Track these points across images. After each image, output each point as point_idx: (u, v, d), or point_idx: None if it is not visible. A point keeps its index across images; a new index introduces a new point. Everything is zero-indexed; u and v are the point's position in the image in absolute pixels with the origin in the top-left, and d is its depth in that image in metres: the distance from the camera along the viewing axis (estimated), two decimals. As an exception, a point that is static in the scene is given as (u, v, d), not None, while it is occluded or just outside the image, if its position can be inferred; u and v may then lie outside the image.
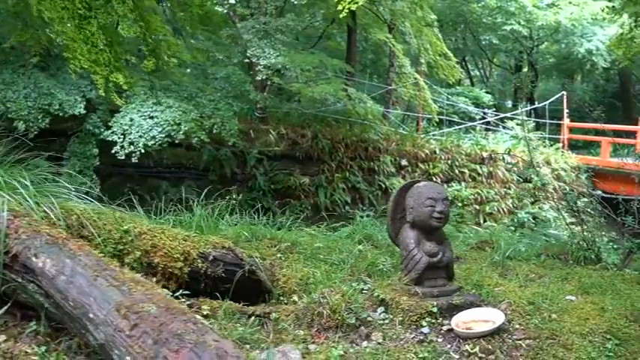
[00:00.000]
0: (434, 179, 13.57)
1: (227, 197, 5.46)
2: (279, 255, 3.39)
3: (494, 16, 17.45)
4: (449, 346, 2.57)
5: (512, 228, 14.44)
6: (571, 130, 17.36)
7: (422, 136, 14.20)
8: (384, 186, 12.59)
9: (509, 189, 14.36)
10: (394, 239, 3.08)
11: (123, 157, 8.00)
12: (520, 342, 2.50)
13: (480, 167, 14.09)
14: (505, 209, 14.10)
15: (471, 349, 2.52)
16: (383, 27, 12.80)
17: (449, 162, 13.73)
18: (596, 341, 2.49)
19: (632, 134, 16.46)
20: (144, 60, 5.95)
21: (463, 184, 13.71)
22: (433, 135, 14.91)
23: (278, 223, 4.60)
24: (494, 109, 18.21)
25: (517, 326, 2.66)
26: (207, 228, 3.69)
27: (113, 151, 8.01)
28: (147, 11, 5.91)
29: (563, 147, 16.45)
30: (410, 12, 9.97)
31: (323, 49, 19.82)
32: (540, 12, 16.90)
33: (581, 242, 4.45)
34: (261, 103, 10.17)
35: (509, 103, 24.50)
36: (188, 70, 11.44)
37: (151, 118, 7.87)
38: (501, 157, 14.48)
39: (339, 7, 5.96)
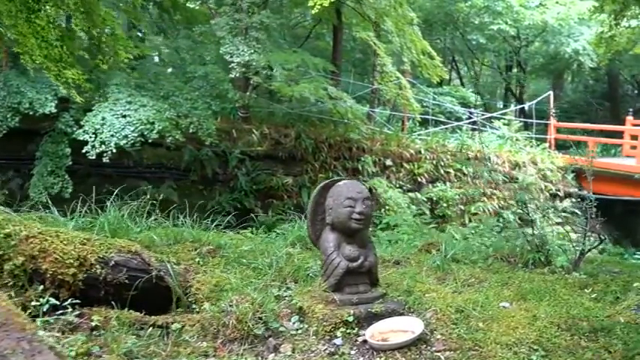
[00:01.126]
0: (419, 179, 13.51)
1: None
2: (198, 259, 3.22)
3: (482, 15, 17.38)
4: (361, 359, 2.43)
5: (498, 228, 14.43)
6: (558, 130, 17.32)
7: (407, 135, 14.10)
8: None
9: (495, 189, 14.26)
10: (315, 243, 2.94)
11: (94, 157, 7.84)
12: (439, 354, 2.37)
13: (466, 167, 14.00)
14: (491, 209, 14.01)
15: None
16: (369, 26, 12.69)
17: (434, 162, 13.63)
18: (521, 352, 2.37)
19: (619, 134, 16.47)
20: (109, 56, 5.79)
21: (448, 184, 13.61)
22: (419, 135, 14.82)
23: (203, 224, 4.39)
24: (481, 109, 18.13)
25: (439, 336, 2.52)
26: (122, 230, 3.51)
27: (84, 151, 7.85)
28: (93, 4, 5.66)
29: (549, 147, 16.40)
30: (391, 10, 9.85)
31: (312, 49, 19.75)
32: (527, 11, 16.84)
33: (531, 244, 4.33)
34: (240, 102, 10.03)
35: (500, 104, 24.47)
36: (169, 70, 11.30)
37: (124, 117, 7.72)
38: (487, 157, 14.40)
39: (310, 4, 5.83)
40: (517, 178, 14.65)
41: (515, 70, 21.91)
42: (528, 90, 25.27)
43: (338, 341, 2.49)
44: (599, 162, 15.48)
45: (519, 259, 4.10)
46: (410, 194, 13.03)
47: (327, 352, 2.38)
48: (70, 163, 8.88)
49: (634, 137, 15.31)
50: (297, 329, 2.53)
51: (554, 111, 16.89)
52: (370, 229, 3.15)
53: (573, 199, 15.29)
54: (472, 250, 4.34)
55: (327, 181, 2.96)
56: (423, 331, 2.46)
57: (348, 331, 2.56)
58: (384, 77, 10.61)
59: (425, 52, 11.92)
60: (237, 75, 8.54)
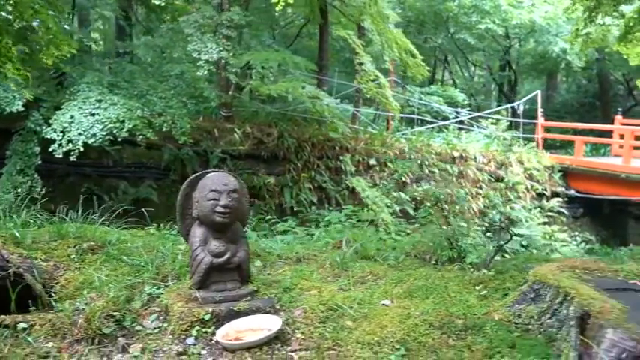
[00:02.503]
0: (402, 179, 13.44)
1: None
2: (74, 256, 3.12)
3: (470, 15, 17.31)
4: (210, 358, 2.34)
5: (483, 228, 14.37)
6: (547, 129, 17.26)
7: (391, 135, 14.04)
8: (351, 186, 12.42)
9: (481, 188, 14.19)
10: (186, 238, 2.86)
11: (61, 155, 7.78)
12: (293, 353, 2.29)
13: (451, 167, 13.92)
14: (476, 209, 13.93)
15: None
16: (352, 25, 12.63)
17: (419, 161, 13.56)
18: (382, 351, 2.29)
19: (608, 134, 16.40)
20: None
21: (432, 183, 13.52)
22: (404, 134, 14.75)
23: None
24: (468, 109, 18.06)
25: (299, 335, 2.44)
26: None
27: (50, 150, 7.79)
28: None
29: (537, 146, 16.33)
30: (368, 8, 9.78)
31: (302, 48, 19.74)
32: (515, 10, 16.77)
33: (445, 241, 4.25)
34: (215, 100, 9.97)
35: (494, 104, 24.41)
36: (150, 69, 11.23)
37: (93, 115, 7.65)
38: (473, 157, 14.33)
39: (274, 0, 5.76)
40: (503, 178, 14.61)
41: (506, 69, 21.84)
42: (522, 90, 25.21)
43: (190, 340, 2.42)
44: (586, 161, 15.51)
45: (433, 256, 4.02)
46: (394, 194, 12.97)
47: (177, 351, 2.30)
48: (47, 162, 8.85)
49: (622, 137, 15.23)
50: (155, 328, 2.45)
51: (541, 110, 16.80)
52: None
53: (560, 199, 15.28)
54: (390, 247, 4.25)
55: (196, 174, 2.88)
56: (281, 330, 2.38)
57: (204, 329, 2.48)
58: (364, 76, 10.53)
59: (407, 51, 11.86)
60: (205, 73, 8.48)
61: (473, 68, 26.81)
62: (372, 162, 13.04)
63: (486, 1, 16.62)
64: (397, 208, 12.70)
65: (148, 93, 8.71)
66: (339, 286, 3.03)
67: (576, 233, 15.25)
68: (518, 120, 17.16)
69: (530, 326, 2.46)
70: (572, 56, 16.65)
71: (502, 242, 4.32)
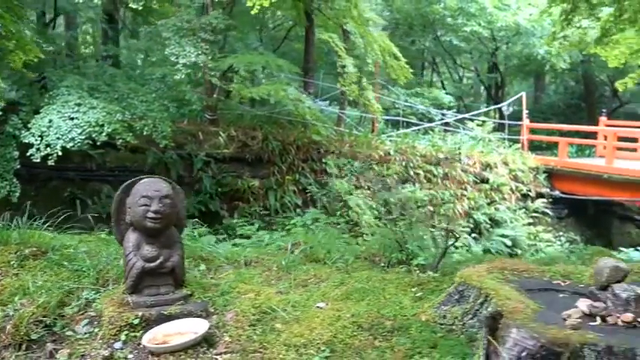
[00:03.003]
0: (388, 181, 13.49)
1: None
2: (13, 262, 3.10)
3: (456, 17, 17.43)
4: None
5: (468, 230, 14.45)
6: (532, 131, 17.38)
7: (376, 137, 14.10)
8: (335, 188, 12.45)
9: (466, 190, 14.26)
10: (121, 244, 2.89)
11: (38, 160, 7.77)
12: (219, 356, 2.33)
13: (436, 168, 13.99)
14: (461, 211, 14.01)
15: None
16: (337, 29, 12.68)
17: (403, 163, 13.62)
18: (307, 353, 2.32)
19: (594, 135, 16.52)
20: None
21: (418, 185, 13.59)
22: (389, 136, 14.81)
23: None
24: (454, 111, 18.15)
25: (227, 338, 2.48)
26: None
27: (28, 154, 7.78)
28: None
29: (522, 148, 16.44)
30: (348, 11, 9.85)
31: (290, 51, 19.78)
32: (500, 13, 16.90)
33: (394, 243, 4.30)
34: (197, 104, 9.99)
35: (483, 106, 24.55)
36: (132, 72, 11.23)
37: (71, 119, 7.65)
38: (458, 159, 14.41)
39: (249, 4, 5.80)
40: (488, 179, 14.70)
41: (491, 72, 21.98)
42: (512, 92, 25.36)
43: (117, 345, 2.44)
44: (570, 162, 15.63)
45: (383, 259, 4.07)
46: (379, 196, 13.01)
47: (104, 356, 2.33)
48: (28, 166, 8.83)
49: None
50: (86, 333, 2.48)
51: (526, 112, 16.92)
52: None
53: (545, 200, 15.39)
54: (341, 250, 4.28)
55: (131, 180, 2.93)
56: (209, 333, 2.42)
57: (133, 334, 2.50)
58: (346, 78, 10.58)
59: (391, 53, 11.92)
60: (182, 76, 8.49)
61: (462, 70, 26.94)
62: (357, 164, 13.10)
63: (472, 3, 16.74)
64: (382, 210, 12.76)
65: (129, 96, 8.71)
66: (278, 290, 3.06)
67: (561, 233, 15.36)
68: (503, 122, 17.27)
69: (453, 327, 2.51)
70: (556, 58, 16.79)
71: (448, 245, 4.35)
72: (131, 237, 2.72)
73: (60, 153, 7.68)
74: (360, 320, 2.61)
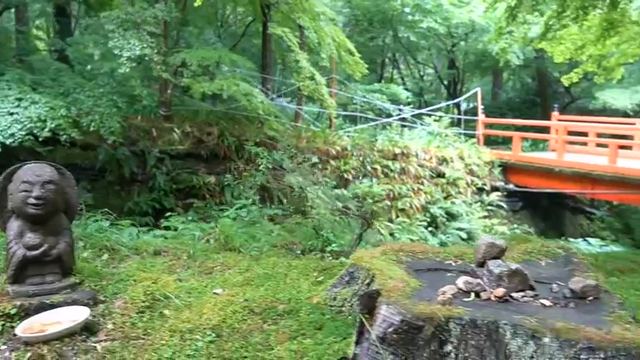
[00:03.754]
0: (345, 176, 13.56)
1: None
2: None
3: (413, 13, 17.61)
4: (8, 353, 2.31)
5: (425, 223, 14.66)
6: (488, 125, 17.73)
7: (334, 133, 14.14)
8: (290, 183, 12.44)
9: (422, 184, 14.46)
10: (5, 232, 2.84)
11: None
12: (98, 344, 2.31)
13: (393, 163, 14.13)
14: (418, 205, 14.19)
15: (30, 357, 2.26)
16: (293, 24, 12.64)
17: (361, 158, 13.71)
18: (192, 338, 2.34)
19: (547, 129, 16.95)
20: None
21: (375, 180, 13.70)
22: (347, 132, 14.88)
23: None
24: (412, 106, 18.36)
25: (110, 326, 2.47)
26: None
27: (-35, 150, 7.50)
28: None
29: (478, 142, 16.75)
30: (299, 4, 9.83)
31: (250, 48, 19.65)
32: (456, 10, 17.15)
33: (311, 231, 4.38)
34: (147, 99, 9.83)
35: (444, 102, 24.88)
36: (79, 67, 10.93)
37: (11, 114, 7.41)
38: (414, 153, 14.58)
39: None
40: (444, 173, 14.93)
41: (451, 68, 22.30)
42: (472, 88, 25.78)
43: None
44: (523, 156, 16.02)
45: (299, 246, 4.11)
46: (336, 190, 13.06)
47: None
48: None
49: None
50: None
51: (482, 107, 17.25)
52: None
53: (499, 193, 15.73)
54: (261, 239, 4.30)
55: (14, 166, 2.84)
56: (90, 321, 2.39)
57: (10, 324, 2.46)
58: (300, 73, 10.57)
59: (345, 48, 11.97)
60: (127, 70, 8.32)
61: (422, 67, 27.25)
62: (315, 159, 13.12)
63: (429, 0, 16.94)
64: (340, 205, 12.82)
65: (75, 91, 8.48)
66: (179, 277, 3.04)
67: (515, 226, 15.72)
68: (459, 117, 17.56)
69: (343, 308, 2.55)
70: (506, 53, 17.11)
71: (362, 231, 4.41)
72: (14, 225, 2.64)
73: (-1, 149, 7.43)
74: (252, 305, 2.62)
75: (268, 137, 12.55)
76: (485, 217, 15.08)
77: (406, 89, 20.54)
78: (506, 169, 15.91)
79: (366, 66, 12.46)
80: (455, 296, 2.25)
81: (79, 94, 8.53)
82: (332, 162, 13.40)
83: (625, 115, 17.91)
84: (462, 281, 2.39)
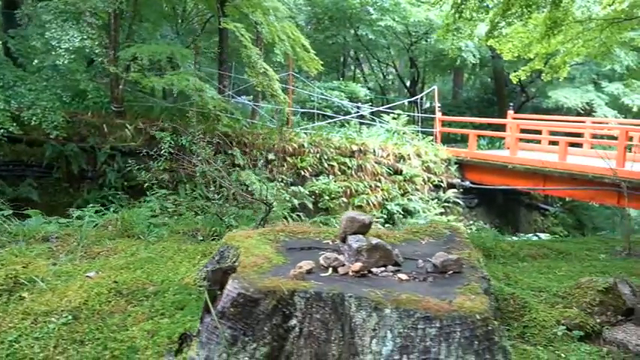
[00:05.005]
0: (302, 173, 13.54)
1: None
2: None
3: (371, 12, 17.71)
4: None
5: (382, 220, 14.76)
6: (445, 123, 17.96)
7: (291, 129, 14.10)
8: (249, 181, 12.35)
9: (380, 181, 14.54)
10: None
11: None
12: None
13: (350, 160, 14.17)
14: (375, 202, 14.27)
15: None
16: (246, 19, 12.54)
17: (318, 155, 13.70)
18: (46, 320, 2.30)
19: (503, 127, 17.28)
20: None
21: (331, 177, 13.71)
22: (305, 129, 14.85)
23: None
24: (369, 104, 18.47)
25: None
26: None
27: None
28: None
29: (435, 140, 16.95)
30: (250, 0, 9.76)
31: (211, 44, 19.42)
32: (414, 9, 17.33)
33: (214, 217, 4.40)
34: (93, 93, 9.60)
35: (402, 100, 25.11)
36: (21, 60, 10.59)
37: (-56, 108, 7.14)
38: (372, 150, 14.65)
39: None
40: (401, 170, 15.05)
41: (412, 67, 22.51)
42: (432, 86, 26.11)
43: None
44: (479, 154, 16.28)
45: (203, 232, 4.11)
46: (293, 188, 13.04)
47: None
48: None
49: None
50: None
51: (439, 105, 17.47)
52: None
53: (456, 190, 15.96)
54: (163, 226, 4.27)
55: None
56: None
57: None
58: (253, 69, 10.49)
59: (300, 44, 11.94)
60: (65, 62, 8.11)
61: (386, 66, 27.46)
62: (271, 156, 13.06)
63: (386, -2, 17.08)
64: (296, 202, 12.79)
65: (15, 85, 8.21)
66: (55, 262, 2.97)
67: (472, 222, 15.97)
68: (417, 114, 17.74)
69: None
70: (467, 54, 17.44)
71: (264, 216, 4.42)
72: None
73: None
74: (122, 287, 2.58)
75: (224, 134, 12.44)
76: (441, 213, 15.27)
77: (368, 88, 20.65)
78: (463, 166, 16.14)
79: (327, 64, 12.46)
80: (312, 271, 2.24)
81: (20, 87, 8.26)
82: (289, 159, 13.36)
83: (578, 114, 18.45)
84: (322, 257, 2.38)
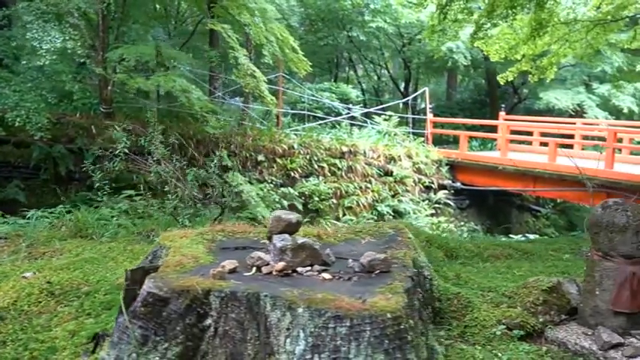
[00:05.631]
0: (292, 174, 13.54)
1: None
2: None
3: (363, 13, 17.73)
4: None
5: (372, 221, 14.76)
6: (437, 125, 17.99)
7: (280, 131, 14.10)
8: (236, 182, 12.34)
9: (370, 183, 14.54)
10: None
11: None
12: None
13: (340, 162, 14.18)
14: (365, 203, 14.27)
15: None
16: (235, 20, 12.53)
17: (307, 157, 13.70)
18: None
19: (495, 129, 17.29)
20: None
21: (321, 178, 13.71)
22: (295, 130, 14.86)
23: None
24: (360, 105, 18.49)
25: None
26: None
27: None
28: None
29: (427, 141, 16.97)
30: (236, 1, 9.77)
31: (203, 45, 19.41)
32: (405, 10, 17.34)
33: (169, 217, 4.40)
34: (78, 94, 9.59)
35: (393, 101, 25.11)
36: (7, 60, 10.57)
37: None
38: (362, 152, 14.66)
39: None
40: (392, 172, 15.06)
41: (403, 68, 22.53)
42: (429, 88, 26.12)
43: None
44: (470, 155, 16.30)
45: (157, 233, 4.12)
46: (283, 189, 13.03)
47: None
48: None
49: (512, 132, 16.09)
50: None
51: (430, 107, 17.49)
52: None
53: (447, 191, 15.97)
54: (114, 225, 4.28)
55: None
56: None
57: None
58: (240, 70, 10.50)
59: (289, 46, 11.95)
60: (47, 62, 8.10)
61: (380, 68, 27.47)
62: (261, 158, 13.06)
63: (378, 0, 17.07)
64: (286, 204, 12.79)
65: (-1, 86, 8.21)
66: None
67: (463, 223, 15.97)
68: (408, 116, 17.76)
69: None
70: (458, 55, 17.47)
71: (217, 217, 4.42)
72: None
73: None
74: (55, 287, 2.58)
75: (213, 136, 12.44)
76: (432, 214, 15.27)
77: (363, 90, 20.65)
78: (454, 167, 16.16)
79: (320, 66, 12.47)
80: (236, 271, 2.23)
81: (4, 88, 8.25)
82: (278, 160, 13.37)
83: (571, 115, 18.49)
84: (248, 257, 2.38)
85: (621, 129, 13.73)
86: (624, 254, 2.50)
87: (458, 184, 16.02)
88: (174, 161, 6.31)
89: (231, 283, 2.03)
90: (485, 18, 8.61)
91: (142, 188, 11.58)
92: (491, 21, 8.68)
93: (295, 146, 13.56)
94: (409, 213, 14.79)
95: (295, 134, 14.26)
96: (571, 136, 16.09)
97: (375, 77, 27.18)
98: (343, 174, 14.24)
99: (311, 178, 13.62)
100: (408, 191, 15.14)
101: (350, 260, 2.41)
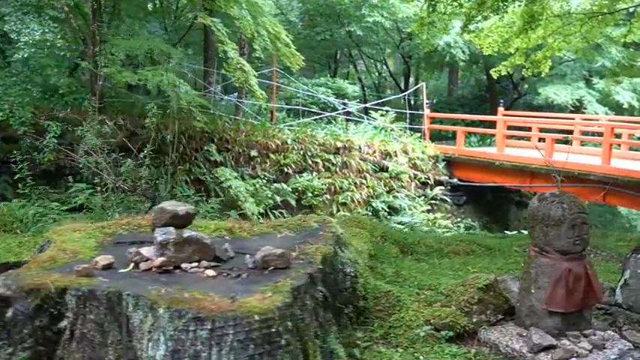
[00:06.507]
0: (285, 170, 13.42)
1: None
2: None
3: (360, 8, 17.57)
4: None
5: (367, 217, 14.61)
6: (434, 120, 17.82)
7: (274, 126, 13.99)
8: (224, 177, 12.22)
9: (365, 178, 14.41)
10: None
11: None
12: None
13: (334, 157, 14.05)
14: (360, 199, 14.14)
15: None
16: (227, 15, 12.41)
17: (301, 152, 13.58)
18: None
19: (493, 124, 17.11)
20: None
21: (315, 174, 13.59)
22: (289, 125, 14.74)
23: None
24: (357, 100, 18.34)
25: None
26: None
27: None
28: None
29: (424, 137, 16.80)
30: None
31: (200, 41, 19.32)
32: (402, 5, 17.17)
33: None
34: (65, 88, 9.51)
35: (389, 97, 24.92)
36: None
37: None
38: (357, 147, 14.52)
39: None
40: (388, 167, 14.91)
41: (401, 63, 22.36)
42: (428, 84, 25.91)
43: None
44: (467, 150, 16.14)
45: None
46: (276, 185, 12.93)
47: None
48: None
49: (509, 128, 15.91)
50: None
51: (427, 102, 17.33)
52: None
53: (443, 187, 15.81)
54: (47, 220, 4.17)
55: None
56: None
57: None
58: (230, 64, 10.39)
59: (282, 40, 11.83)
60: (25, 55, 8.01)
61: (381, 63, 27.28)
62: (254, 153, 12.95)
63: (375, -6, 16.92)
64: (279, 199, 12.68)
65: (-19, 80, 8.11)
66: None
67: (459, 219, 15.82)
68: (405, 111, 17.60)
69: None
70: (455, 49, 17.29)
71: (146, 210, 4.31)
72: None
73: None
74: None
75: (206, 131, 12.34)
76: (428, 210, 15.12)
77: (363, 85, 20.48)
78: (451, 163, 16.00)
79: (319, 61, 12.34)
80: (112, 267, 2.11)
81: (-14, 82, 8.17)
82: (272, 156, 13.25)
83: (571, 111, 18.26)
84: (127, 251, 2.25)
85: (619, 124, 13.53)
86: (559, 249, 2.34)
87: (455, 180, 15.86)
88: (105, 152, 6.28)
89: (95, 281, 1.90)
90: (476, 10, 8.45)
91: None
92: (481, 13, 8.52)
93: (289, 141, 13.44)
94: (404, 209, 14.65)
95: (289, 129, 14.13)
96: (570, 132, 15.89)
97: (376, 73, 27.01)
98: (338, 170, 14.11)
99: (305, 174, 13.50)
100: (403, 187, 14.99)
101: (247, 256, 2.28)
